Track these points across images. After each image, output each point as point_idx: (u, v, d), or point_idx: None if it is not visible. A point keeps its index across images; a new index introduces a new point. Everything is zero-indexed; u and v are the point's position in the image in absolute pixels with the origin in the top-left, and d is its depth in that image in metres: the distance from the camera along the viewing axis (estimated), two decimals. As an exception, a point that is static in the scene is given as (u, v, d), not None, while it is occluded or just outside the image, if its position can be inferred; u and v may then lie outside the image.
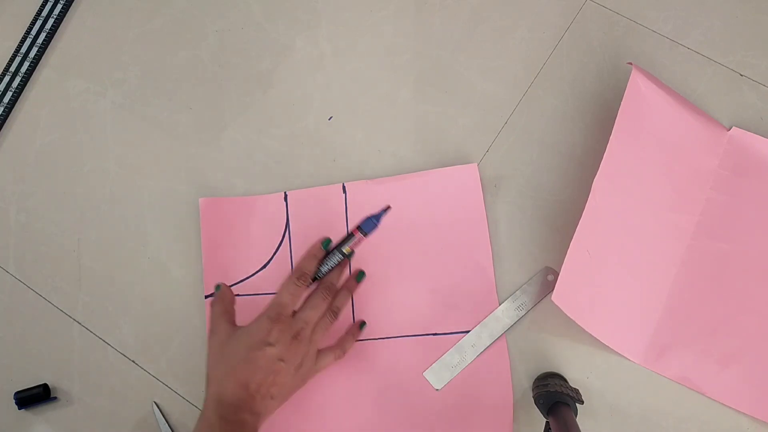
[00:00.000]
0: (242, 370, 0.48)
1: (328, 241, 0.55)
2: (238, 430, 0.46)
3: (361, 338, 0.58)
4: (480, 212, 0.60)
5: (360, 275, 0.58)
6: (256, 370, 0.48)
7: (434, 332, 0.58)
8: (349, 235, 0.55)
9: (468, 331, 0.57)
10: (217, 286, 0.56)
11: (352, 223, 0.60)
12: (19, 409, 0.59)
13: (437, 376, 0.57)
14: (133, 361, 0.60)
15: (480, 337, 0.57)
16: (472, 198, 0.60)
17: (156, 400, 0.59)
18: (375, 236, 0.59)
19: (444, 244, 0.59)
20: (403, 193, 0.61)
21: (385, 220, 0.58)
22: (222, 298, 0.54)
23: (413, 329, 0.58)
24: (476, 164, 0.60)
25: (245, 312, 0.58)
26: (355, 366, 0.58)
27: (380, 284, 0.59)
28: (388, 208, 0.56)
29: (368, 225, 0.55)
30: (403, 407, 0.57)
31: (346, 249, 0.55)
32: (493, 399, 0.56)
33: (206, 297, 0.60)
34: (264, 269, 0.60)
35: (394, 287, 0.59)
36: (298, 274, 0.52)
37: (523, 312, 0.57)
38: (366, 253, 0.60)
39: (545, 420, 0.52)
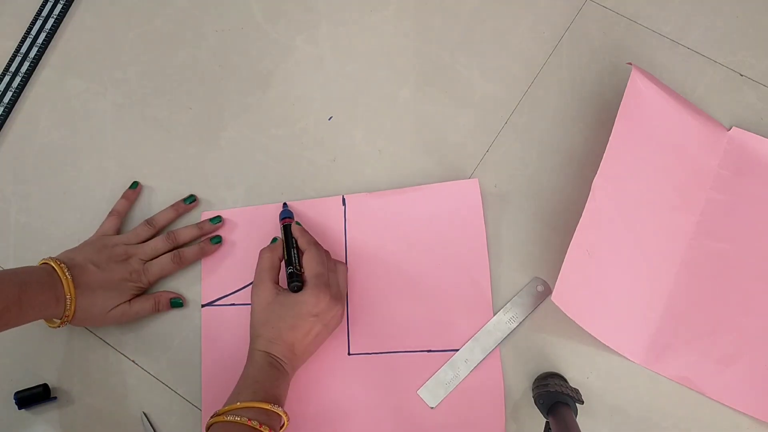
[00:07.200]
0: (290, 336, 0.53)
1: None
2: (282, 377, 0.52)
3: (356, 352, 0.57)
4: (479, 229, 0.59)
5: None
6: (303, 337, 0.53)
7: (429, 349, 0.57)
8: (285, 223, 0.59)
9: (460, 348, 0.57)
10: (274, 239, 0.59)
11: (351, 237, 0.60)
12: (19, 409, 0.59)
13: (432, 393, 0.56)
14: (133, 361, 0.60)
15: (472, 351, 0.56)
16: (472, 214, 0.59)
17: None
18: (372, 250, 0.59)
19: (442, 260, 0.58)
20: (402, 206, 0.60)
21: (382, 234, 0.58)
22: (272, 253, 0.56)
23: (407, 345, 0.57)
24: (477, 179, 0.60)
25: (242, 322, 0.57)
26: (350, 381, 0.57)
27: (376, 298, 0.58)
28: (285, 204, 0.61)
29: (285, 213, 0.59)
30: (397, 426, 0.56)
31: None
32: (486, 413, 0.55)
33: (202, 306, 0.60)
34: None
35: (389, 302, 0.58)
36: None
37: (515, 324, 0.57)
38: (362, 267, 0.59)
39: (545, 420, 0.52)
